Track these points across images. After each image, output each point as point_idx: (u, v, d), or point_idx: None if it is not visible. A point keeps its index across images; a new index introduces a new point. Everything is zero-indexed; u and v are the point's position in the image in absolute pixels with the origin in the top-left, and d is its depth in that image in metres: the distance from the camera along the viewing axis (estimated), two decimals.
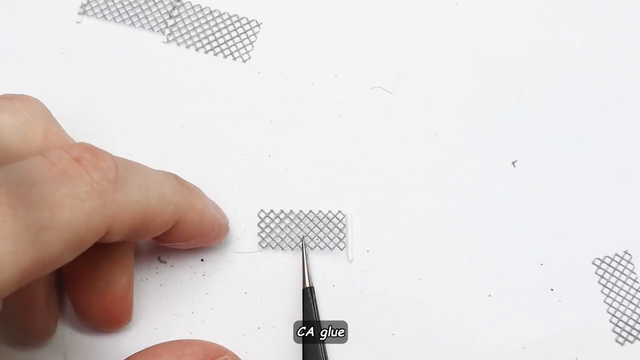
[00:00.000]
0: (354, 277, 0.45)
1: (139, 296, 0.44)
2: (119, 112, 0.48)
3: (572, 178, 0.47)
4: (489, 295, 0.44)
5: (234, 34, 0.50)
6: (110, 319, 0.41)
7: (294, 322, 0.43)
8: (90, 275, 0.40)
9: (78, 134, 0.43)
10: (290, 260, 0.45)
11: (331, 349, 0.43)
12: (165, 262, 0.45)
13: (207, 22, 0.50)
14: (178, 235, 0.40)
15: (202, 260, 0.45)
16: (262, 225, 0.45)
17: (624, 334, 0.44)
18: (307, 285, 0.44)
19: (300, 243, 0.45)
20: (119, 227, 0.34)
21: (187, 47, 0.50)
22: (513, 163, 0.47)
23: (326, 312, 0.44)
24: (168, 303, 0.44)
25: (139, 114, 0.48)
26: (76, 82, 0.48)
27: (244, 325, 0.44)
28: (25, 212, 0.30)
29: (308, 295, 0.43)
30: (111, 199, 0.33)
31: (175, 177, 0.40)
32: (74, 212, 0.31)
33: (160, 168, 0.45)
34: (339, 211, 0.46)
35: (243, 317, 0.44)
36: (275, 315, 0.44)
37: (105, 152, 0.34)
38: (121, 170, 0.34)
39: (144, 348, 0.38)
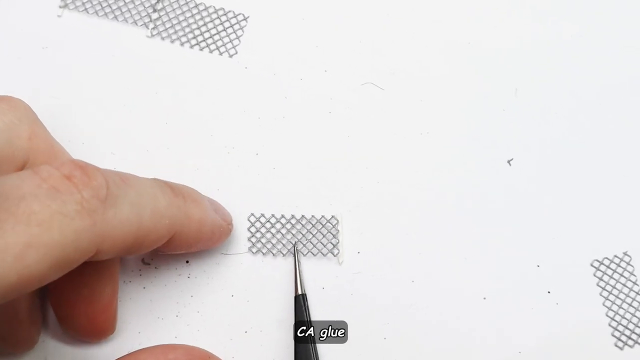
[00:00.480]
0: (344, 280, 0.45)
1: (122, 299, 0.44)
2: (101, 109, 0.48)
3: (570, 177, 0.47)
4: (484, 298, 0.44)
5: (220, 28, 0.50)
6: (93, 328, 0.41)
7: (293, 323, 0.43)
8: (73, 284, 0.39)
9: (59, 132, 0.43)
10: (279, 263, 0.45)
11: (322, 354, 0.43)
12: (149, 264, 0.44)
13: (192, 15, 0.50)
14: (176, 246, 0.40)
15: (187, 262, 0.44)
16: (253, 229, 0.45)
17: (623, 338, 0.44)
18: (300, 292, 0.44)
19: (292, 249, 0.45)
20: (109, 247, 0.34)
21: (172, 41, 0.50)
22: (509, 161, 0.47)
23: (315, 316, 0.44)
24: (152, 306, 0.44)
25: (121, 110, 0.48)
26: (57, 78, 0.48)
27: (231, 329, 0.43)
28: (13, 226, 0.30)
29: (300, 302, 0.43)
30: (101, 218, 0.33)
31: (170, 186, 0.40)
32: (63, 230, 0.31)
33: (144, 166, 0.45)
34: (332, 216, 0.46)
35: (230, 320, 0.44)
36: (263, 319, 0.44)
37: (96, 169, 0.34)
38: (112, 187, 0.34)
39: (126, 353, 0.38)
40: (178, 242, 0.40)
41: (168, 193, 0.39)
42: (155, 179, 0.39)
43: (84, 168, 0.33)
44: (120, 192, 0.34)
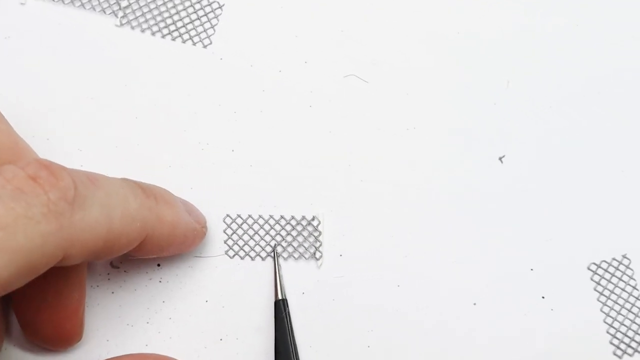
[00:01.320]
0: (325, 284, 0.45)
1: (90, 305, 0.44)
2: (67, 103, 0.48)
3: (566, 175, 0.48)
4: (475, 304, 0.45)
5: (193, 16, 0.50)
6: (59, 336, 0.41)
7: (273, 330, 0.43)
8: (38, 289, 0.39)
9: (22, 127, 0.43)
10: (257, 267, 0.45)
11: None
12: (118, 268, 0.45)
13: (164, 3, 0.50)
14: (147, 250, 0.40)
15: (158, 265, 0.45)
16: (229, 231, 0.46)
17: (622, 345, 0.44)
18: (280, 297, 0.44)
19: (272, 252, 0.45)
20: (78, 251, 0.34)
21: (142, 31, 0.50)
22: (500, 159, 0.48)
23: (294, 323, 0.44)
24: (121, 312, 0.44)
25: (89, 104, 0.48)
26: (20, 70, 0.48)
27: (205, 337, 0.44)
28: None
29: (281, 308, 0.43)
30: (69, 221, 0.33)
31: (141, 187, 0.40)
32: (28, 234, 0.31)
33: (112, 164, 0.45)
34: (314, 217, 0.46)
35: (204, 327, 0.44)
36: (239, 326, 0.44)
37: (63, 168, 0.34)
38: (80, 188, 0.34)
39: None
40: (149, 245, 0.40)
41: (139, 194, 0.39)
42: (125, 179, 0.39)
43: (50, 168, 0.34)
44: (88, 193, 0.35)
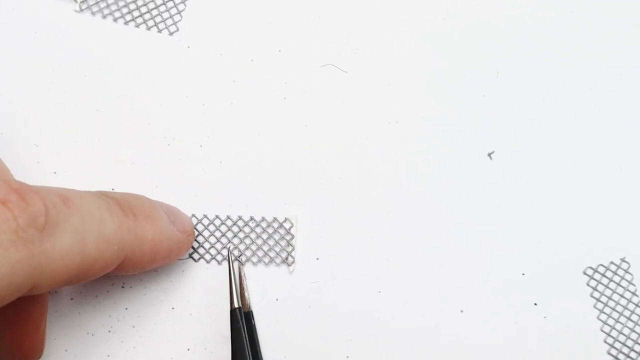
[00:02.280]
0: (300, 290, 0.45)
1: (48, 312, 0.42)
2: (23, 95, 0.47)
3: (560, 172, 0.47)
4: (462, 311, 0.44)
5: (158, 1, 0.50)
6: (19, 353, 0.41)
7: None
8: None
9: None
10: (226, 270, 0.45)
11: None
12: None
13: None
14: (127, 269, 0.40)
15: None
16: (194, 233, 0.45)
17: (621, 356, 0.44)
18: (236, 305, 0.43)
19: (233, 256, 0.45)
20: (48, 281, 0.34)
21: (104, 17, 0.49)
22: (489, 155, 0.48)
23: (267, 332, 0.44)
24: (81, 320, 0.44)
25: (46, 96, 0.48)
26: None
27: (171, 347, 0.43)
28: None
29: (236, 317, 0.42)
30: (39, 249, 0.33)
31: (119, 203, 0.39)
32: None
33: (71, 160, 0.45)
34: (286, 219, 0.46)
35: (170, 336, 0.44)
36: (207, 335, 0.44)
37: (34, 191, 0.34)
38: (52, 213, 0.34)
39: None
40: (129, 265, 0.39)
41: (116, 213, 0.38)
42: (101, 195, 0.39)
43: (20, 191, 0.33)
44: (61, 217, 0.34)
